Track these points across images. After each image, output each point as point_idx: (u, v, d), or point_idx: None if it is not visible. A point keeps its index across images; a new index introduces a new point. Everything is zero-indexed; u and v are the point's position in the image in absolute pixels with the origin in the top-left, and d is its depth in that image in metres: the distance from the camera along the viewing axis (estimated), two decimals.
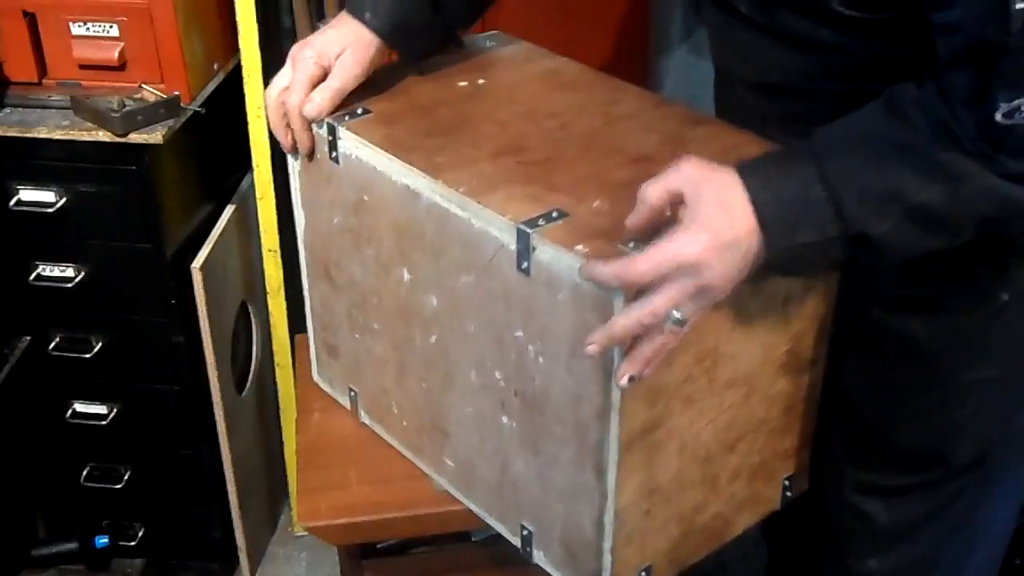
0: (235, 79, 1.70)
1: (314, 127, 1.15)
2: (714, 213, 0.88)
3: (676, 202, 0.89)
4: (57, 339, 1.79)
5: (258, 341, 1.98)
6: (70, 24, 1.61)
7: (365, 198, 1.13)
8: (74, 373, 1.81)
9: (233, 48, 1.73)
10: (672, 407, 0.98)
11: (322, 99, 1.14)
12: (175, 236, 1.73)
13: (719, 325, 0.99)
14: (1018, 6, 0.83)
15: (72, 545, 1.93)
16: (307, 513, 1.31)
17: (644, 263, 0.86)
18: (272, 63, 1.70)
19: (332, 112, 1.14)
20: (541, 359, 0.99)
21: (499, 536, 1.20)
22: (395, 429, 1.27)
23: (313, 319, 1.32)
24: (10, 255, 1.72)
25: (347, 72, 1.15)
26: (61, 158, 1.63)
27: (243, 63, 1.66)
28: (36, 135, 1.60)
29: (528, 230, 0.94)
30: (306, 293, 1.31)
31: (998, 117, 0.85)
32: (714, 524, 1.11)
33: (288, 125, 1.16)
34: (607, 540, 1.01)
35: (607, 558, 1.02)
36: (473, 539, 1.45)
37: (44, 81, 1.66)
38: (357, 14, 1.15)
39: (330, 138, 1.13)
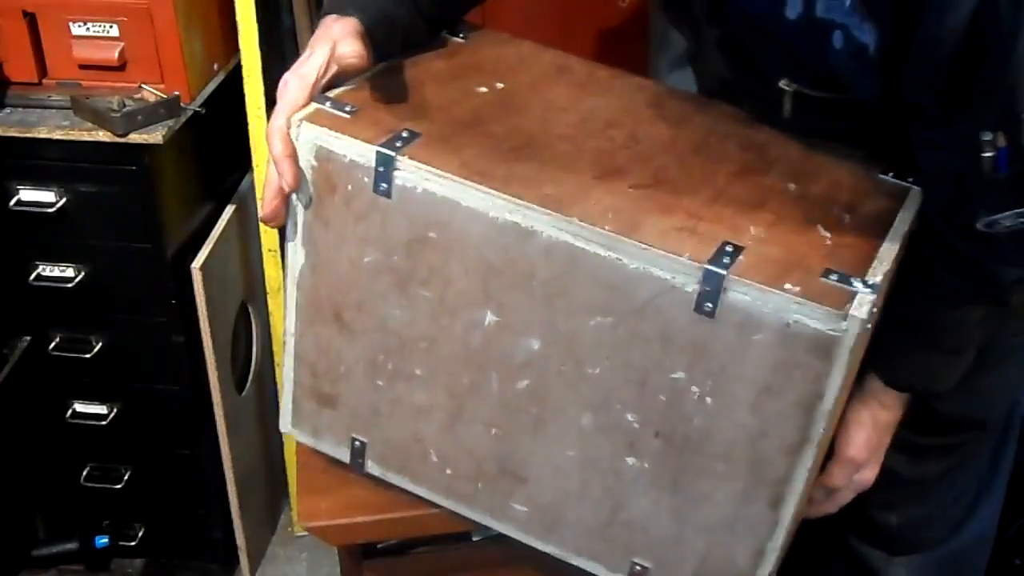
0: (235, 79, 1.70)
1: (351, 156, 1.00)
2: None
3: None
4: (57, 339, 1.79)
5: (258, 341, 1.98)
6: (70, 24, 1.61)
7: (432, 235, 1.01)
8: (74, 373, 1.81)
9: (233, 48, 1.73)
10: None
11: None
12: (175, 236, 1.73)
13: None
14: (985, 154, 0.91)
15: (72, 545, 1.93)
16: (307, 513, 1.31)
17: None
18: (272, 63, 1.70)
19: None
20: (709, 400, 0.96)
21: (499, 536, 1.19)
22: (428, 479, 1.20)
23: (298, 367, 1.19)
24: (10, 255, 1.72)
25: (350, 54, 1.06)
26: (61, 158, 1.63)
27: (243, 63, 1.66)
28: (36, 135, 1.60)
29: (720, 271, 0.90)
30: (287, 339, 1.17)
31: (979, 227, 0.96)
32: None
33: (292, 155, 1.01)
34: (765, 568, 1.02)
35: None
36: (473, 539, 1.45)
37: (44, 81, 1.66)
38: (338, 10, 1.11)
39: (380, 169, 0.99)
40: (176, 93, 1.63)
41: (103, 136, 1.59)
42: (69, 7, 1.60)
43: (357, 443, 1.22)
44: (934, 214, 1.02)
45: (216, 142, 1.81)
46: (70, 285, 1.71)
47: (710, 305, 0.91)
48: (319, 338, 1.15)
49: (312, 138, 1.01)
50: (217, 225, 1.77)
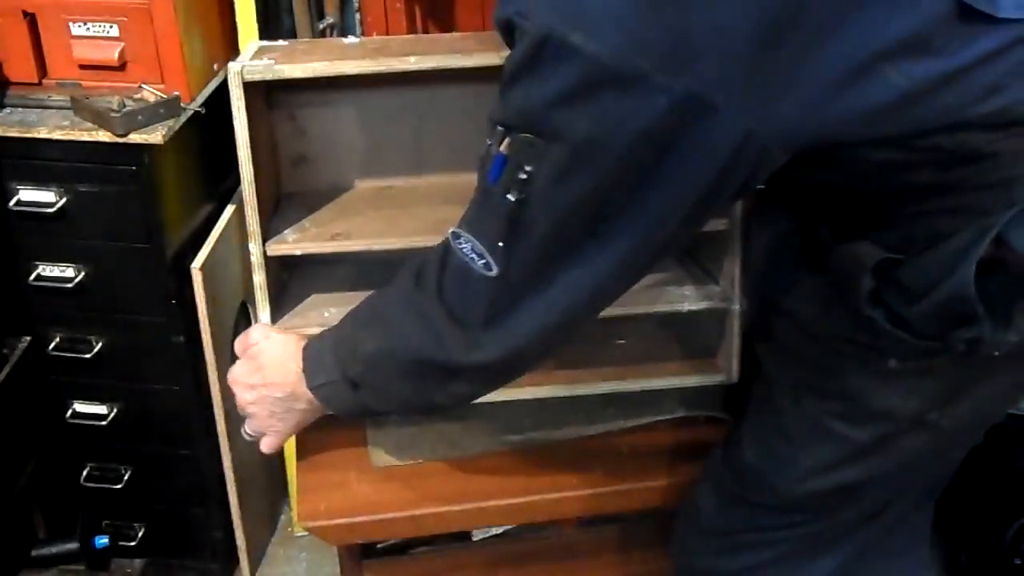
0: None
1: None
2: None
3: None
4: (57, 339, 1.79)
5: None
6: (70, 24, 1.61)
7: None
8: (74, 373, 1.81)
9: (233, 48, 1.73)
10: None
11: None
12: (175, 236, 1.73)
13: None
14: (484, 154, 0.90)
15: (72, 545, 1.92)
16: (307, 513, 1.31)
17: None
18: None
19: None
20: None
21: (499, 536, 1.20)
22: None
23: None
24: (10, 255, 1.71)
25: None
26: (61, 158, 1.63)
27: (241, 48, 1.66)
28: (36, 135, 1.60)
29: None
30: None
31: (451, 242, 0.96)
32: None
33: None
34: None
35: None
36: (473, 539, 1.45)
37: (44, 81, 1.66)
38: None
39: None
40: (176, 93, 1.63)
41: (103, 136, 1.59)
42: (69, 7, 1.60)
43: None
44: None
45: (216, 142, 1.81)
46: (70, 285, 1.71)
47: None
48: None
49: None
50: (217, 225, 1.76)
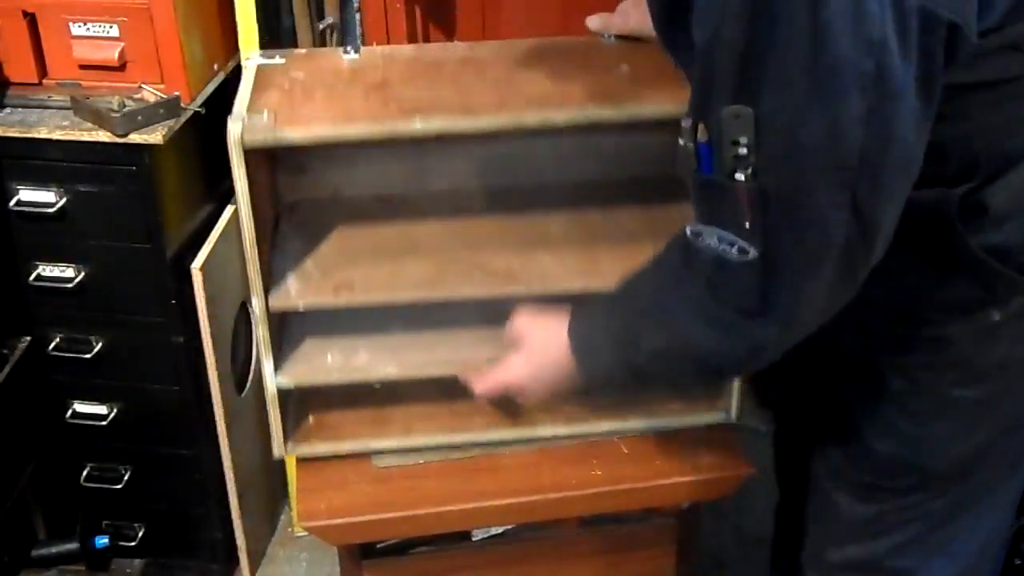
0: (235, 79, 1.70)
1: None
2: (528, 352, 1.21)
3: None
4: (57, 339, 1.79)
5: None
6: (70, 24, 1.61)
7: None
8: (74, 373, 1.81)
9: (233, 48, 1.73)
10: None
11: None
12: (175, 236, 1.73)
13: None
14: (683, 140, 0.90)
15: (72, 545, 1.92)
16: (307, 513, 1.31)
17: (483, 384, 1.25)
18: None
19: None
20: None
21: (499, 536, 1.20)
22: None
23: None
24: (10, 255, 1.71)
25: None
26: (61, 158, 1.63)
27: (244, 56, 1.66)
28: (36, 135, 1.60)
29: None
30: None
31: (688, 232, 0.96)
32: None
33: None
34: None
35: None
36: (473, 539, 1.45)
37: (44, 81, 1.66)
38: None
39: None
40: (176, 93, 1.63)
41: (103, 136, 1.59)
42: (69, 7, 1.60)
43: None
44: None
45: (216, 142, 1.80)
46: (70, 285, 1.71)
47: None
48: None
49: None
50: (217, 225, 1.76)
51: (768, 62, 0.82)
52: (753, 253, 0.90)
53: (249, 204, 1.19)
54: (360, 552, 1.41)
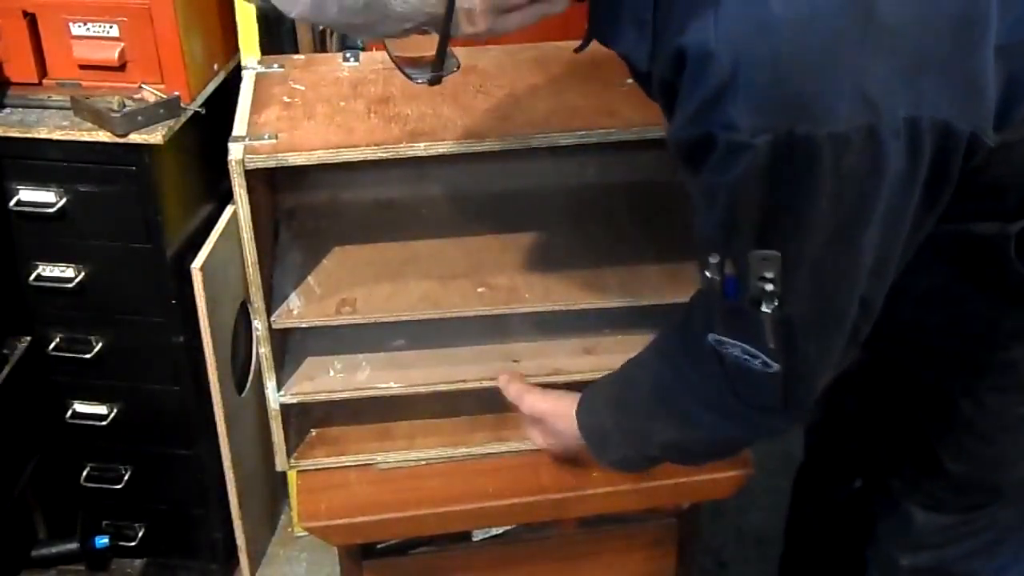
0: (235, 79, 1.70)
1: None
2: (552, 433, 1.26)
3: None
4: (57, 339, 1.79)
5: None
6: (70, 24, 1.61)
7: None
8: (74, 373, 1.81)
9: (233, 48, 1.73)
10: None
11: None
12: (175, 236, 1.73)
13: None
14: (708, 274, 0.91)
15: (72, 545, 1.92)
16: (307, 513, 1.31)
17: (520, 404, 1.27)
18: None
19: None
20: None
21: (499, 536, 1.20)
22: None
23: None
24: (10, 255, 1.71)
25: None
26: (61, 158, 1.63)
27: (243, 63, 1.66)
28: (36, 135, 1.60)
29: None
30: None
31: (710, 339, 0.98)
32: None
33: None
34: None
35: None
36: (473, 539, 1.45)
37: (44, 81, 1.66)
38: None
39: None
40: (176, 93, 1.63)
41: (103, 136, 1.59)
42: (69, 7, 1.60)
43: None
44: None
45: (216, 142, 1.80)
46: (70, 285, 1.71)
47: None
48: None
49: None
50: (217, 225, 1.76)
51: (791, 217, 0.84)
52: (776, 367, 0.94)
53: (251, 226, 1.18)
54: (360, 552, 1.41)
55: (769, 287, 0.87)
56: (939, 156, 0.83)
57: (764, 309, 0.89)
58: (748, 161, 0.80)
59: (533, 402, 1.26)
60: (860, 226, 0.85)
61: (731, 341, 0.95)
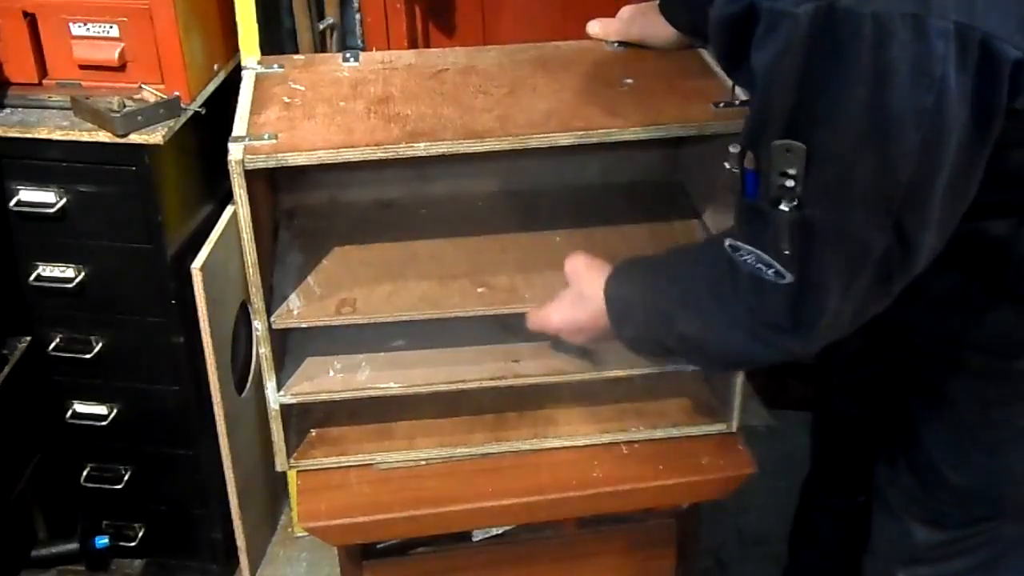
0: (235, 79, 1.70)
1: None
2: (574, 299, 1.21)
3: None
4: (57, 339, 1.79)
5: None
6: (70, 24, 1.61)
7: None
8: (74, 373, 1.81)
9: (233, 48, 1.73)
10: None
11: None
12: (175, 236, 1.73)
13: None
14: (729, 165, 0.92)
15: (72, 545, 1.92)
16: (307, 513, 1.31)
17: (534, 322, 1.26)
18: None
19: None
20: None
21: (499, 536, 1.20)
22: None
23: None
24: (10, 255, 1.71)
25: None
26: (61, 158, 1.63)
27: (243, 63, 1.66)
28: (36, 135, 1.60)
29: None
30: None
31: (727, 243, 0.97)
32: None
33: None
34: None
35: None
36: (473, 539, 1.45)
37: (44, 81, 1.66)
38: None
39: None
40: (176, 93, 1.63)
41: (103, 136, 1.59)
42: (69, 7, 1.60)
43: None
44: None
45: (216, 142, 1.80)
46: (70, 285, 1.71)
47: None
48: None
49: None
50: (217, 225, 1.76)
51: (825, 100, 0.82)
52: (789, 278, 0.92)
53: (251, 226, 1.18)
54: (360, 552, 1.41)
55: (790, 183, 0.86)
56: (985, 77, 0.81)
57: (782, 207, 0.87)
58: (788, 31, 0.79)
59: (579, 256, 1.24)
60: (898, 131, 0.81)
61: (746, 247, 0.93)
